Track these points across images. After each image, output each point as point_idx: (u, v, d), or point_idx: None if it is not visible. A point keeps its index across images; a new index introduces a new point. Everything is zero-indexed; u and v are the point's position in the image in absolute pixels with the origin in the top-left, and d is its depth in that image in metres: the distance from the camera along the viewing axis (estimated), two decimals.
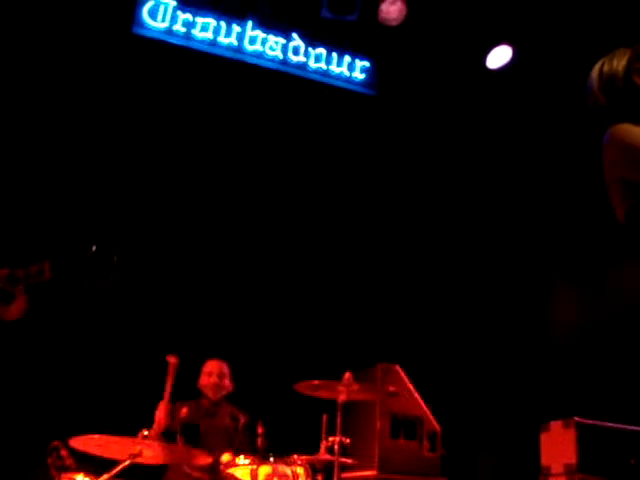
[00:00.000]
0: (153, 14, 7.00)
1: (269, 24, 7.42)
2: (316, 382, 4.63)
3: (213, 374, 5.61)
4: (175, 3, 7.10)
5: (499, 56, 7.34)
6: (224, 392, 5.63)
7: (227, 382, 5.64)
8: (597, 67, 2.69)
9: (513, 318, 7.60)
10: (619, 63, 2.65)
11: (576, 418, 5.67)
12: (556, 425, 5.81)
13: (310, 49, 7.53)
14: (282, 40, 7.43)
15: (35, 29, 6.50)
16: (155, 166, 6.86)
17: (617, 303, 6.55)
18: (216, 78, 7.17)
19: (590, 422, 5.71)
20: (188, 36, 7.12)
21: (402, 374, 6.32)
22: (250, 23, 7.32)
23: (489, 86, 7.58)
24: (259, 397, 5.89)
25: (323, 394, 4.73)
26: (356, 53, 7.68)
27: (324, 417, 4.82)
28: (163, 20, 7.02)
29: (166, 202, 6.89)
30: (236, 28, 7.28)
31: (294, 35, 7.48)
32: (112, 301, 6.44)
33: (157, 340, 6.43)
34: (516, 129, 7.72)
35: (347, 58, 7.64)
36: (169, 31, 7.05)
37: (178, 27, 7.08)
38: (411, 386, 6.32)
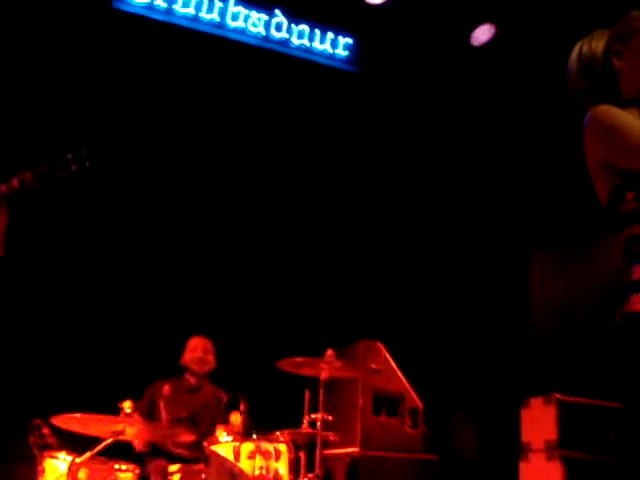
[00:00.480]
0: None
1: (252, 0, 7.36)
2: (298, 359, 4.64)
3: (198, 349, 5.62)
4: None
5: (482, 33, 7.32)
6: (207, 368, 5.63)
7: (211, 358, 5.64)
8: (576, 49, 2.64)
9: (494, 294, 7.64)
10: (597, 45, 2.60)
11: (556, 395, 5.72)
12: (536, 402, 5.85)
13: (293, 26, 7.46)
14: (265, 16, 7.36)
15: (13, 2, 6.42)
16: (135, 143, 6.81)
17: (598, 279, 6.60)
18: (198, 54, 7.10)
19: (570, 399, 5.75)
20: (169, 11, 7.04)
21: (384, 351, 6.34)
22: None
23: (472, 63, 7.56)
24: (241, 374, 5.90)
25: (305, 371, 4.74)
26: (339, 30, 7.63)
27: (306, 394, 4.84)
28: None
29: (151, 182, 6.86)
30: (218, 4, 7.20)
31: (277, 11, 7.41)
32: (93, 280, 6.47)
33: (140, 319, 6.46)
34: (500, 105, 7.71)
35: (330, 35, 7.59)
36: (150, 6, 6.97)
37: (159, 2, 6.98)
38: (393, 363, 6.35)
